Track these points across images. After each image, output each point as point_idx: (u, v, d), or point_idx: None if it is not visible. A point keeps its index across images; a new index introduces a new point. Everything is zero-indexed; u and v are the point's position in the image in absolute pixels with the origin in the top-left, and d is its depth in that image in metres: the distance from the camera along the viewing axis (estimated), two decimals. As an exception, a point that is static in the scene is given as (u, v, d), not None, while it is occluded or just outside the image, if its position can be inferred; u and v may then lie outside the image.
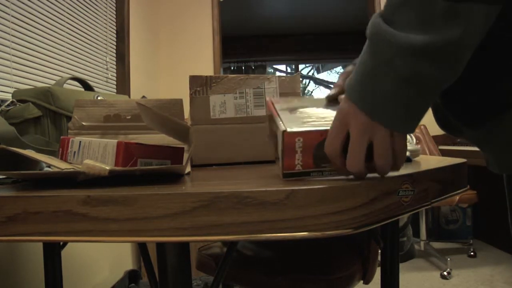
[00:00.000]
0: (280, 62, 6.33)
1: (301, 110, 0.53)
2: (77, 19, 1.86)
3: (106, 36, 2.21)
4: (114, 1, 2.32)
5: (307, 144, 0.46)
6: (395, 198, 0.45)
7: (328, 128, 0.46)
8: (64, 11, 1.75)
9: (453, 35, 0.39)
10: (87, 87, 1.08)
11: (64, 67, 1.72)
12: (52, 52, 1.64)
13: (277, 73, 6.14)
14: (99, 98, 0.94)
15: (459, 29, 0.39)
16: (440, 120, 0.62)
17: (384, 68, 0.41)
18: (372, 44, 0.43)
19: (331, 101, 0.55)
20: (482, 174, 2.95)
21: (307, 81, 6.75)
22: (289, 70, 6.51)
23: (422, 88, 0.41)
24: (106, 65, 2.19)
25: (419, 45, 0.39)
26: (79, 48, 1.87)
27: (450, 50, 0.40)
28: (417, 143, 0.89)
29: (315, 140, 0.47)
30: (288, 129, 0.46)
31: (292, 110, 0.53)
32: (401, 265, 2.62)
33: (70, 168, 0.52)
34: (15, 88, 1.35)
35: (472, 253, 2.76)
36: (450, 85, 0.44)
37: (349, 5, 4.85)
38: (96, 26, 2.07)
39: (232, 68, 6.21)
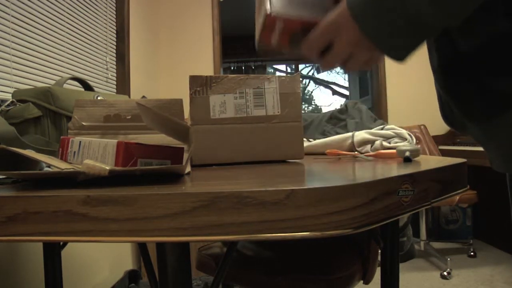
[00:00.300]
0: (280, 62, 6.33)
1: None
2: (77, 19, 1.86)
3: (106, 36, 2.21)
4: (114, 1, 2.32)
5: (286, 28, 0.48)
6: (395, 198, 0.45)
7: (312, 18, 0.47)
8: (64, 11, 1.75)
9: None
10: (87, 87, 1.08)
11: (64, 67, 1.72)
12: (52, 52, 1.64)
13: (277, 73, 6.14)
14: (99, 98, 0.94)
15: None
16: (447, 117, 0.62)
17: None
18: None
19: None
20: (482, 174, 2.95)
21: (307, 81, 6.75)
22: (289, 70, 6.51)
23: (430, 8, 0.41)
24: (106, 65, 2.19)
25: None
26: (79, 48, 1.87)
27: None
28: (417, 143, 0.89)
29: (295, 29, 0.48)
30: (273, 13, 0.47)
31: None
32: (401, 265, 2.62)
33: (70, 168, 0.52)
34: (15, 88, 1.35)
35: (472, 253, 2.76)
36: (458, 80, 0.44)
37: (349, 5, 4.84)
38: (96, 26, 2.07)
39: (232, 68, 6.21)
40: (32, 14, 1.50)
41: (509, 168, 0.54)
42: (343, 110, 1.21)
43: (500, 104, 0.49)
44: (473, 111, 0.53)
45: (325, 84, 6.88)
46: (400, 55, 0.45)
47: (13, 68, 1.38)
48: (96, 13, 2.07)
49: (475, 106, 0.52)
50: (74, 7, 1.83)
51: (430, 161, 0.68)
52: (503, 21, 0.46)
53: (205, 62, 3.12)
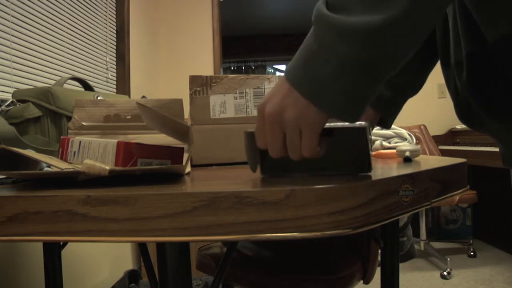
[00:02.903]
0: (280, 62, 6.33)
1: None
2: (77, 19, 1.86)
3: (106, 36, 2.21)
4: (114, 1, 2.32)
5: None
6: (395, 198, 0.45)
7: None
8: (64, 11, 1.75)
9: (392, 16, 0.37)
10: (87, 87, 1.08)
11: (64, 67, 1.72)
12: (52, 52, 1.64)
13: (277, 73, 6.14)
14: (99, 98, 0.94)
15: (398, 9, 0.37)
16: (462, 113, 0.61)
17: (325, 51, 0.40)
18: (315, 28, 0.41)
19: None
20: (482, 174, 2.95)
21: (307, 81, 6.75)
22: (289, 70, 6.51)
23: (361, 74, 0.39)
24: (106, 65, 2.19)
25: (358, 27, 0.37)
26: (79, 48, 1.87)
27: (391, 32, 0.37)
28: (417, 143, 0.89)
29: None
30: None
31: None
32: (401, 265, 2.62)
33: (70, 168, 0.52)
34: (15, 88, 1.35)
35: (472, 253, 2.76)
36: (482, 76, 0.43)
37: (349, 5, 4.84)
38: (96, 26, 2.07)
39: (232, 68, 6.21)
40: (32, 14, 1.50)
41: None
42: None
43: None
44: (497, 108, 0.52)
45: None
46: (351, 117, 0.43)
47: (13, 68, 1.38)
48: (96, 13, 2.07)
49: (500, 103, 0.51)
50: (74, 7, 1.83)
51: (430, 161, 0.68)
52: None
53: (205, 62, 3.12)
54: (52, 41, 1.64)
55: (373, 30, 0.37)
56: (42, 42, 1.57)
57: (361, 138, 0.47)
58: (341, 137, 0.47)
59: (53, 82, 1.57)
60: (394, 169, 0.56)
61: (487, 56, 0.51)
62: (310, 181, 0.43)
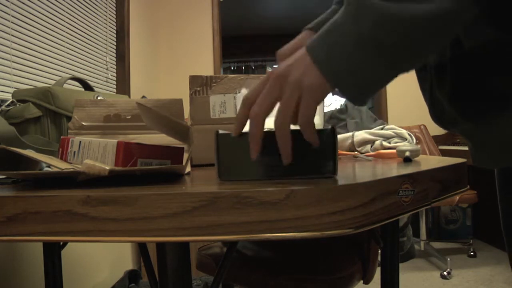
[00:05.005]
0: (280, 62, 6.32)
1: None
2: (77, 19, 1.86)
3: (106, 36, 2.21)
4: (114, 1, 2.32)
5: None
6: (395, 198, 0.45)
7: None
8: (64, 11, 1.75)
9: (430, 10, 0.37)
10: (87, 87, 1.08)
11: (64, 67, 1.72)
12: (52, 52, 1.64)
13: (277, 73, 6.12)
14: (99, 98, 0.94)
15: (437, 6, 0.38)
16: (436, 114, 0.62)
17: (349, 26, 0.40)
18: (346, 3, 0.41)
19: None
20: (482, 174, 2.95)
21: (307, 81, 6.75)
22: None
23: (376, 57, 0.40)
24: (106, 65, 2.19)
25: (390, 13, 0.38)
26: (79, 48, 1.87)
27: (422, 27, 0.38)
28: (417, 143, 0.89)
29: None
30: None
31: None
32: (401, 265, 2.62)
33: (70, 168, 0.52)
34: (15, 88, 1.35)
35: (472, 253, 2.76)
36: (456, 76, 0.43)
37: (349, 5, 4.84)
38: (96, 26, 2.07)
39: (232, 68, 6.21)
40: (32, 14, 1.50)
41: (499, 163, 0.54)
42: (343, 110, 1.21)
43: (498, 103, 0.49)
44: (469, 109, 0.53)
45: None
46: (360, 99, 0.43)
47: (13, 68, 1.38)
48: (96, 13, 2.07)
49: (472, 105, 0.52)
50: (74, 7, 1.83)
51: (430, 161, 0.68)
52: (490, 29, 0.47)
53: (205, 62, 3.12)
54: (52, 41, 1.64)
55: (405, 19, 0.37)
56: (42, 42, 1.57)
57: (328, 141, 0.46)
58: (305, 141, 0.44)
59: (53, 82, 1.57)
60: (394, 169, 0.56)
61: (466, 61, 0.51)
62: (310, 181, 0.43)
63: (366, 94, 0.41)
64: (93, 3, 2.04)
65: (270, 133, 0.44)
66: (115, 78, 2.30)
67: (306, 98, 0.41)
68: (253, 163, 0.45)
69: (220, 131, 0.46)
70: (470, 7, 0.39)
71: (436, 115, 0.62)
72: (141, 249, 0.71)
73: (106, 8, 2.21)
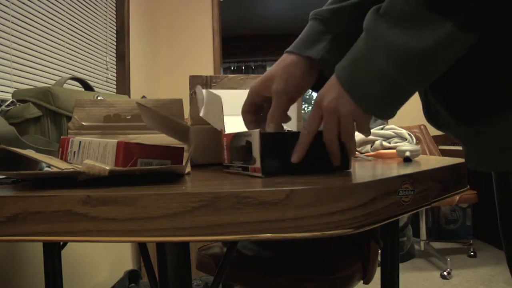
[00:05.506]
0: (280, 62, 6.32)
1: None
2: (77, 19, 1.86)
3: (106, 36, 2.21)
4: (114, 1, 2.32)
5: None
6: (395, 198, 0.45)
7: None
8: (64, 11, 1.75)
9: (439, 39, 0.41)
10: (87, 87, 1.08)
11: (64, 67, 1.72)
12: (52, 52, 1.64)
13: (277, 73, 6.12)
14: (99, 98, 0.94)
15: (444, 32, 0.41)
16: (430, 115, 0.62)
17: (367, 59, 0.46)
18: (366, 35, 0.47)
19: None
20: (482, 174, 2.95)
21: (307, 81, 6.75)
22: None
23: (392, 86, 0.46)
24: (106, 65, 2.19)
25: (403, 49, 0.42)
26: (79, 48, 1.87)
27: (432, 60, 0.42)
28: (417, 143, 0.90)
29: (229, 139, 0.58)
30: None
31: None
32: (401, 265, 2.62)
33: (70, 168, 0.52)
34: (15, 88, 1.35)
35: (472, 253, 2.76)
36: (448, 81, 0.44)
37: (349, 5, 4.84)
38: (96, 26, 2.07)
39: (232, 68, 6.21)
40: (32, 14, 1.50)
41: (499, 166, 0.54)
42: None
43: (493, 106, 0.49)
44: (466, 112, 0.53)
45: (325, 84, 6.90)
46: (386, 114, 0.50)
47: (13, 68, 1.38)
48: (96, 13, 2.07)
49: (470, 107, 0.52)
50: (74, 7, 1.83)
51: (430, 161, 0.68)
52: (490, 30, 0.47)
53: (205, 62, 3.12)
54: (52, 41, 1.64)
55: (416, 56, 0.42)
56: (42, 42, 1.57)
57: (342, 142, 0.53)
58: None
59: (53, 82, 1.57)
60: (394, 169, 0.56)
61: (466, 61, 0.52)
62: (310, 181, 0.43)
63: (393, 112, 0.49)
64: (93, 3, 2.04)
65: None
66: (115, 78, 2.30)
67: (360, 123, 0.51)
68: (289, 161, 0.52)
69: (262, 131, 0.51)
70: (476, 31, 0.42)
71: (430, 116, 0.62)
72: (141, 249, 0.71)
73: (106, 8, 2.21)
